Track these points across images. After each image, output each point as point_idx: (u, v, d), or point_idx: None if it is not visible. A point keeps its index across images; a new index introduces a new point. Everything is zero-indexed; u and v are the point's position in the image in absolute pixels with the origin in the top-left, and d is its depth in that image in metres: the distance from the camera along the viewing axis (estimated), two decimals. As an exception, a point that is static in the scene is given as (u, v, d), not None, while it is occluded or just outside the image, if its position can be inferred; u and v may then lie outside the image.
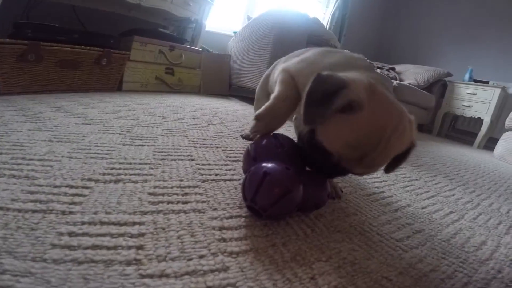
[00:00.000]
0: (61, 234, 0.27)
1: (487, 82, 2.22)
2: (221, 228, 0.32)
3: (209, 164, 0.54)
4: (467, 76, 2.35)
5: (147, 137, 0.67)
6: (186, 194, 0.40)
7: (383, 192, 0.62)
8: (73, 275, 0.22)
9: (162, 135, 0.71)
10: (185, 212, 0.34)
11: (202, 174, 0.48)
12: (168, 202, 0.36)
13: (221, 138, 0.79)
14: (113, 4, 1.48)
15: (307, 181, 0.37)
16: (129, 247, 0.26)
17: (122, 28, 1.67)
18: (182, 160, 0.54)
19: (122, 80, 1.58)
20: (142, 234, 0.28)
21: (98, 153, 0.51)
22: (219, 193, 0.42)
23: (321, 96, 0.32)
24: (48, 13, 1.52)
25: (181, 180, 0.44)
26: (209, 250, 0.27)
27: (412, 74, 2.48)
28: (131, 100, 1.29)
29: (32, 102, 1.01)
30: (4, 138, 0.53)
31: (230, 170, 0.53)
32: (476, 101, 2.24)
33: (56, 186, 0.37)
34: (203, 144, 0.69)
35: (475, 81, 2.31)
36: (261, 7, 2.52)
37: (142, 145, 0.60)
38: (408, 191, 0.67)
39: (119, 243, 0.27)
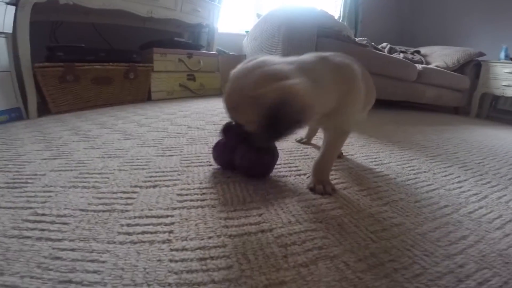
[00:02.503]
0: (122, 225, 0.44)
1: (525, 60, 2.09)
2: (226, 218, 0.46)
3: (224, 169, 0.69)
4: (502, 55, 2.23)
5: (175, 147, 0.84)
6: (204, 193, 0.55)
7: (379, 186, 0.67)
8: (132, 250, 0.38)
9: (187, 145, 0.88)
10: (202, 207, 0.49)
11: (216, 177, 0.63)
12: (191, 200, 0.52)
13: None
14: (128, 18, 1.66)
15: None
16: (164, 232, 0.42)
17: (142, 39, 1.87)
18: (202, 166, 0.70)
19: (150, 91, 1.80)
20: (172, 223, 0.44)
21: (139, 165, 0.69)
22: (228, 192, 0.56)
23: None
24: (71, 33, 1.74)
25: (200, 183, 0.60)
26: (215, 233, 0.42)
27: (439, 56, 2.40)
28: (160, 110, 1.49)
29: (79, 120, 1.25)
30: (70, 157, 0.73)
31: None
32: (516, 79, 2.12)
33: (114, 192, 0.54)
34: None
35: (512, 59, 2.18)
36: (270, 4, 2.60)
37: (171, 155, 0.77)
38: (408, 184, 0.70)
39: (157, 229, 0.42)
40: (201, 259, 0.36)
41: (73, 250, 0.37)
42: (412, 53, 2.47)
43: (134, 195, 0.53)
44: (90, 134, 0.97)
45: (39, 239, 0.39)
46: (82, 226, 0.43)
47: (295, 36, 1.58)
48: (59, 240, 0.39)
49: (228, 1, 2.30)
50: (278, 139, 0.48)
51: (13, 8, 1.16)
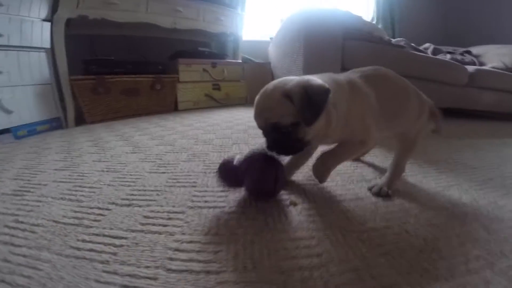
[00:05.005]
0: (78, 240, 0.48)
1: None
2: (175, 249, 0.47)
3: (205, 191, 0.70)
4: None
5: (171, 164, 0.89)
6: (170, 218, 0.57)
7: (388, 226, 0.56)
8: (70, 265, 0.42)
9: (184, 161, 0.92)
10: (159, 233, 0.51)
11: (193, 201, 0.65)
12: (153, 224, 0.54)
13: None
14: (156, 30, 1.81)
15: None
16: (107, 253, 0.45)
17: (171, 50, 2.02)
18: (185, 187, 0.72)
19: (177, 101, 1.94)
20: (121, 245, 0.47)
21: (128, 181, 0.75)
22: (196, 220, 0.56)
23: None
24: (108, 46, 1.95)
25: (173, 206, 0.62)
26: (155, 263, 0.43)
27: (495, 56, 2.12)
28: (180, 121, 1.59)
29: (105, 130, 1.40)
30: (76, 169, 0.84)
31: (221, 197, 0.66)
32: None
33: (90, 207, 0.60)
34: (215, 168, 0.85)
35: None
36: (294, 8, 2.59)
37: (163, 172, 0.82)
38: (434, 224, 0.57)
39: (104, 249, 0.46)
40: (125, 286, 0.39)
41: (24, 256, 0.44)
42: (462, 54, 2.21)
43: (106, 212, 0.58)
44: (106, 146, 1.09)
45: (5, 243, 0.47)
46: (45, 236, 0.49)
47: (318, 41, 1.54)
48: (19, 246, 0.46)
49: (252, 8, 2.37)
50: (318, 116, 0.54)
51: (48, 24, 1.38)
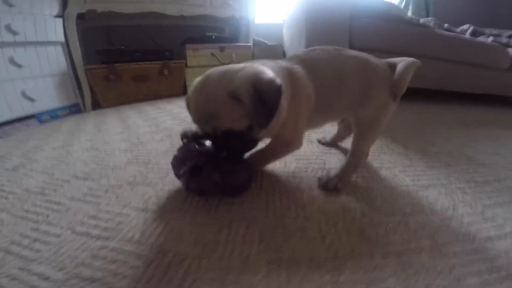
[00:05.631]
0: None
1: None
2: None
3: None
4: None
5: (111, 168, 0.79)
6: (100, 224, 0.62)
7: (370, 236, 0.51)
8: None
9: (129, 163, 0.81)
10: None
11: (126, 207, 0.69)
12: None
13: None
14: (166, 18, 1.83)
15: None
16: None
17: (183, 36, 2.04)
18: (135, 186, 0.77)
19: (186, 85, 1.99)
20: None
21: (87, 176, 0.75)
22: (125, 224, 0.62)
23: None
24: (124, 36, 2.04)
25: (107, 212, 0.67)
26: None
27: None
28: (179, 104, 1.64)
29: (112, 114, 1.52)
30: (64, 159, 0.94)
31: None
32: None
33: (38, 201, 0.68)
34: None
35: None
36: None
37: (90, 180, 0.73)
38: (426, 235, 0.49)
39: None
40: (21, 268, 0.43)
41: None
42: (510, 37, 1.82)
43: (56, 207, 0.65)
44: (107, 129, 1.19)
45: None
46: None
47: (321, 20, 1.41)
48: None
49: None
50: (272, 117, 0.47)
51: (60, 20, 1.50)
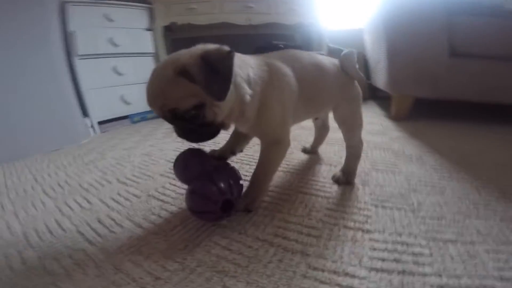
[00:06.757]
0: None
1: None
2: None
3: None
4: None
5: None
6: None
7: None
8: None
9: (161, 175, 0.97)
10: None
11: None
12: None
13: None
14: (236, 28, 1.88)
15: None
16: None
17: (254, 45, 2.06)
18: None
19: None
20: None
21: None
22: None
23: None
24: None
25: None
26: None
27: None
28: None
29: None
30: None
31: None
32: None
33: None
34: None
35: None
36: None
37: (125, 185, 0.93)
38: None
39: None
40: None
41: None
42: None
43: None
44: (171, 136, 1.35)
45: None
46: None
47: (404, 21, 1.19)
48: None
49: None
50: (228, 85, 0.45)
51: (150, 32, 1.74)
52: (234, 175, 0.58)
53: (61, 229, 0.60)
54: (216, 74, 0.43)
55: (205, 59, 0.44)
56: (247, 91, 0.52)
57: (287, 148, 0.61)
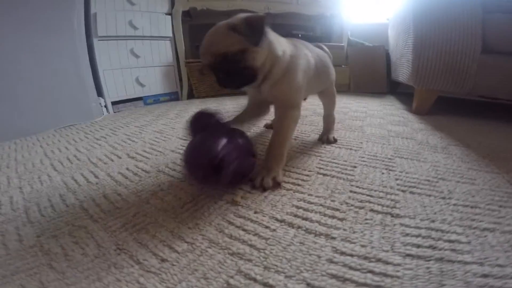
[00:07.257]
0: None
1: None
2: None
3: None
4: None
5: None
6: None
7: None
8: None
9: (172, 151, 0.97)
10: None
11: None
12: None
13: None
14: None
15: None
16: None
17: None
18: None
19: (271, 83, 1.97)
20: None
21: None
22: None
23: None
24: None
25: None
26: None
27: None
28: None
29: (196, 104, 1.65)
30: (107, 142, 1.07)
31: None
32: None
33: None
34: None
35: None
36: None
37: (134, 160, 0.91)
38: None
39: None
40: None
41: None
42: None
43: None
44: (184, 116, 1.31)
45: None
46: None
47: (434, 14, 1.11)
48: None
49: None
50: (261, 35, 0.58)
51: (169, 17, 1.71)
52: (246, 144, 0.58)
53: (65, 205, 0.56)
54: (253, 27, 0.58)
55: (247, 20, 0.58)
56: (279, 48, 0.65)
57: (299, 115, 0.69)
